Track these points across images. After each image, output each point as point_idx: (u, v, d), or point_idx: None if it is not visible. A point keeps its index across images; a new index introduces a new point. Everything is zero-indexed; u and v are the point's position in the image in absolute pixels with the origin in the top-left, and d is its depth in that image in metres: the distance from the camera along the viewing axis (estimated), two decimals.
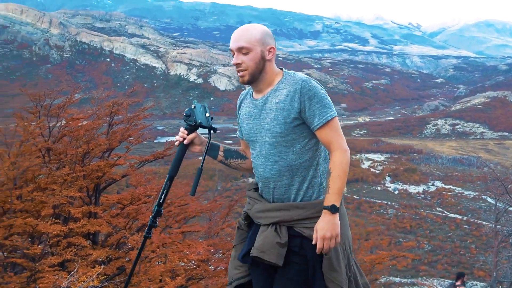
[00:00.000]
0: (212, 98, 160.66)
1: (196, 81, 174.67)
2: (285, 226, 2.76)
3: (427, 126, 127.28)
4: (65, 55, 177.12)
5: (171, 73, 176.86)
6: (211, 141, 2.93)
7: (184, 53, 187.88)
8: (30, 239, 7.54)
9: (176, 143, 2.90)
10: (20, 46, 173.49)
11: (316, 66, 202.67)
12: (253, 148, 2.91)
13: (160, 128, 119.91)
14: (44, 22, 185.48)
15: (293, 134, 2.76)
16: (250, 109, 2.89)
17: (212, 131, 2.88)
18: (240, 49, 2.75)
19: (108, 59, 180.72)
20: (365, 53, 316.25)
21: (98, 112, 9.56)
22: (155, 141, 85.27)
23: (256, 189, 2.98)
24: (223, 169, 57.00)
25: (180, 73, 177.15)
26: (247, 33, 2.76)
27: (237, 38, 2.76)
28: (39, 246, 7.34)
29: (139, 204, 8.67)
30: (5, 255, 7.16)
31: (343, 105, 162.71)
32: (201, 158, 2.90)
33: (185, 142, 2.88)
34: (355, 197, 67.42)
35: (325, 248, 2.62)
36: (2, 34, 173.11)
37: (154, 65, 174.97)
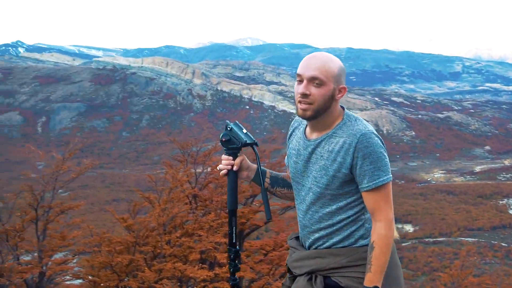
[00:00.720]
0: None
1: None
2: (321, 276, 2.53)
3: None
4: (207, 104, 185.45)
5: None
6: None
7: None
8: (178, 284, 7.78)
9: (223, 172, 2.67)
10: (166, 96, 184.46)
11: (456, 108, 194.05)
12: (297, 190, 2.66)
13: None
14: (187, 73, 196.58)
15: (340, 189, 2.51)
16: (300, 147, 2.61)
17: (256, 146, 2.67)
18: (313, 79, 2.44)
19: (247, 107, 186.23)
20: (509, 93, 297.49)
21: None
22: None
23: (297, 237, 2.74)
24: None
25: None
26: (325, 65, 2.46)
27: (313, 66, 2.45)
28: None
29: (282, 251, 8.64)
30: None
31: (487, 147, 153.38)
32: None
33: (234, 168, 2.67)
34: (503, 244, 62.57)
35: None
36: (150, 86, 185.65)
37: (291, 111, 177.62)
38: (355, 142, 2.43)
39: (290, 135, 2.77)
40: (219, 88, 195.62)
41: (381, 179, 2.43)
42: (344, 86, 2.52)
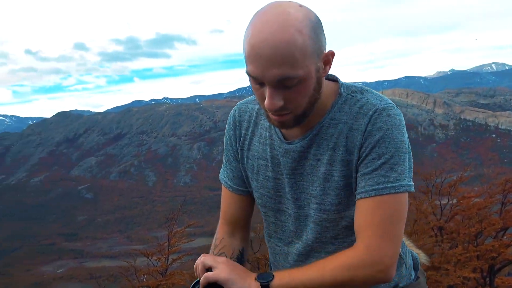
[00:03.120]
0: None
1: None
2: None
3: None
4: (449, 133, 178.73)
5: None
6: None
7: None
8: None
9: None
10: (406, 127, 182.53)
11: None
12: (278, 222, 1.66)
13: None
14: (428, 103, 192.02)
15: (355, 206, 1.48)
16: (275, 153, 1.60)
17: None
18: (282, 82, 1.34)
19: (494, 135, 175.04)
20: None
21: (490, 190, 9.31)
22: None
23: None
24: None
25: None
26: (291, 44, 1.30)
27: (273, 58, 1.31)
28: None
29: None
30: None
31: None
32: None
33: None
34: None
35: None
36: None
37: None
38: (365, 122, 1.45)
39: (242, 134, 1.69)
40: (462, 117, 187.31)
41: (391, 185, 1.41)
42: (329, 51, 1.44)
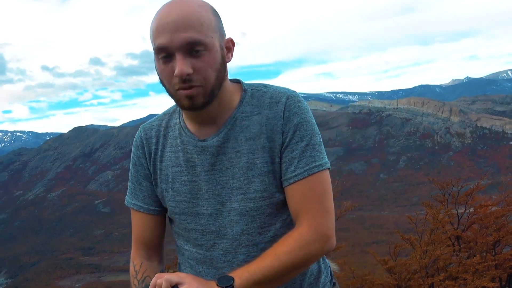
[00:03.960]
0: None
1: None
2: None
3: None
4: (466, 142, 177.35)
5: None
6: None
7: None
8: None
9: None
10: (422, 136, 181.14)
11: None
12: (197, 228, 1.63)
13: None
14: (444, 112, 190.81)
15: (280, 193, 1.57)
16: (192, 155, 1.61)
17: None
18: (190, 46, 1.42)
19: (511, 142, 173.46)
20: None
21: (507, 198, 9.21)
22: None
23: None
24: None
25: None
26: (195, 14, 1.43)
27: (180, 24, 1.41)
28: None
29: None
30: None
31: None
32: None
33: None
34: None
35: None
36: (406, 127, 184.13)
37: None
38: (281, 109, 1.55)
39: (152, 150, 1.71)
40: (478, 125, 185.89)
41: (317, 163, 1.53)
42: (229, 38, 1.56)
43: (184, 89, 1.45)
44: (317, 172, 1.53)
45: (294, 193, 1.53)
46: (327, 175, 1.56)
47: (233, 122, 1.57)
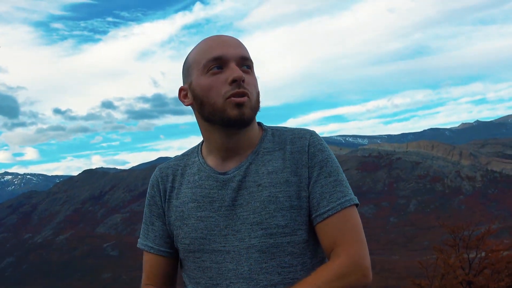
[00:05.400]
0: None
1: None
2: None
3: None
4: (476, 185, 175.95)
5: None
6: None
7: None
8: None
9: None
10: (433, 179, 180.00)
11: None
12: (214, 265, 1.55)
13: None
14: (454, 155, 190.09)
15: (303, 231, 1.53)
16: (211, 190, 1.57)
17: None
18: (243, 60, 1.53)
19: None
20: None
21: None
22: None
23: None
24: None
25: None
26: (242, 44, 1.58)
27: (234, 43, 1.54)
28: None
29: None
30: None
31: None
32: None
33: None
34: None
35: None
36: (416, 170, 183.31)
37: None
38: (306, 144, 1.57)
39: (167, 188, 1.67)
40: (489, 168, 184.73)
41: (348, 198, 1.54)
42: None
43: (237, 95, 1.46)
44: (349, 206, 1.52)
45: (329, 228, 1.50)
46: (356, 209, 1.55)
47: (255, 157, 1.56)
